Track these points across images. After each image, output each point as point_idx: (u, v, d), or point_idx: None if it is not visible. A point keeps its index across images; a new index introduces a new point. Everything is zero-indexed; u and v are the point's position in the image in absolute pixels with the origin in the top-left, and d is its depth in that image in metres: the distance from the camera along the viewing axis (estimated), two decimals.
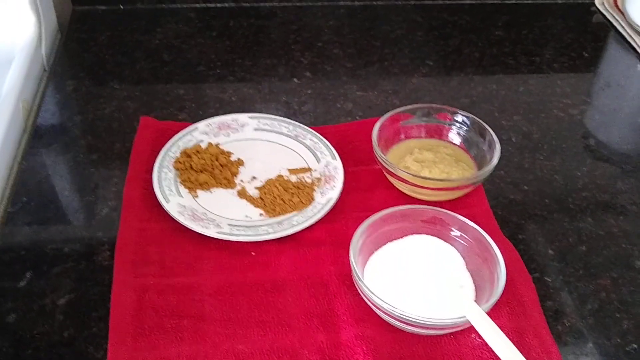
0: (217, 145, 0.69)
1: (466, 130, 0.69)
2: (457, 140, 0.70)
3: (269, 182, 0.66)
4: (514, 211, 0.66)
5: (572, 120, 0.79)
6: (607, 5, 0.99)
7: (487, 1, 1.00)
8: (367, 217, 0.58)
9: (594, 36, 0.95)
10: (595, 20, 0.99)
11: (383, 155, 0.64)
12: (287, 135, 0.71)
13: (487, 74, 0.86)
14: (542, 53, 0.90)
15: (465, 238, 0.58)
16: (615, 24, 0.97)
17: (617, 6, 0.99)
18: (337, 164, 0.67)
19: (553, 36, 0.95)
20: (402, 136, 0.70)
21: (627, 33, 0.94)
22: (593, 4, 1.01)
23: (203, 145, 0.69)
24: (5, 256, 0.59)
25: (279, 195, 0.64)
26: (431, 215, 0.58)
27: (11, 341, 0.52)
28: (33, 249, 0.59)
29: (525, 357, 0.49)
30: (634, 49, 0.92)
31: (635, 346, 0.55)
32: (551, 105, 0.81)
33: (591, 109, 0.82)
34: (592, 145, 0.76)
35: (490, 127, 0.68)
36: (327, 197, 0.64)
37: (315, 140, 0.70)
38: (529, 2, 1.01)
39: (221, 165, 0.67)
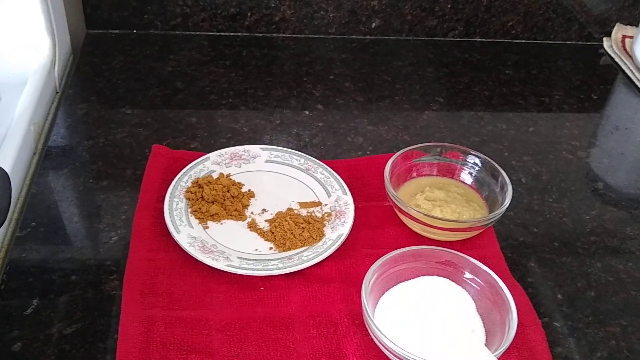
0: (228, 176, 0.69)
1: (478, 170, 0.69)
2: (468, 180, 0.70)
3: (279, 215, 0.66)
4: (523, 253, 0.66)
5: (581, 163, 0.79)
6: (615, 48, 1.00)
7: (498, 39, 1.01)
8: (377, 254, 0.58)
9: (601, 78, 0.96)
10: (603, 62, 1.00)
11: (395, 193, 0.64)
12: (298, 168, 0.71)
13: (497, 112, 0.86)
14: (551, 94, 0.91)
15: (477, 281, 0.57)
16: (623, 66, 0.98)
17: (625, 49, 1.00)
18: (348, 199, 0.67)
19: (562, 77, 0.95)
20: (414, 174, 0.70)
21: (635, 76, 0.95)
22: (601, 46, 1.03)
23: (215, 176, 0.69)
24: (13, 283, 0.58)
25: (290, 229, 0.64)
26: (444, 257, 0.58)
27: None
28: (40, 275, 0.59)
29: None
30: None
31: None
32: (560, 147, 0.81)
33: (599, 152, 0.82)
34: (601, 189, 0.76)
35: (500, 166, 0.68)
36: (337, 232, 0.64)
37: (326, 174, 0.70)
38: (539, 42, 1.02)
39: (232, 197, 0.67)
